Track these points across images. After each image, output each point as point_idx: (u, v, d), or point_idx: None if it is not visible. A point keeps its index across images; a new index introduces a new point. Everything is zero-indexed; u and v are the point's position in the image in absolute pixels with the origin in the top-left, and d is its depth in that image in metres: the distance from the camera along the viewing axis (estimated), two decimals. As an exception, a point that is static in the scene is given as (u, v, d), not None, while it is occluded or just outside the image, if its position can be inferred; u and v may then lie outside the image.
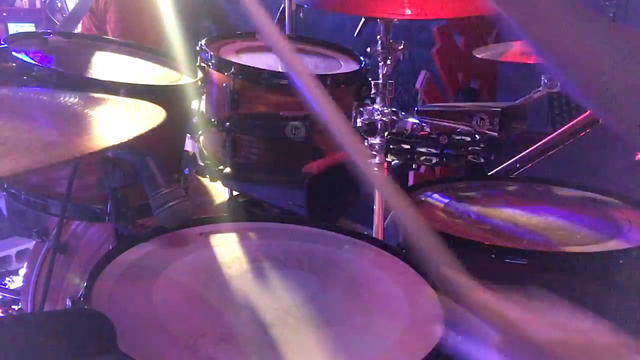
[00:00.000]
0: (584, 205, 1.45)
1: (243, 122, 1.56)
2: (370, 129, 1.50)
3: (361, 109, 1.56)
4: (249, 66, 1.58)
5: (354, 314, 0.92)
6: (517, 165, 2.27)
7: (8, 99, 0.89)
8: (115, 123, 0.78)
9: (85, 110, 0.82)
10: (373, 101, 1.53)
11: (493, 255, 1.15)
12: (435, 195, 1.51)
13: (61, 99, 0.85)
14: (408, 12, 1.39)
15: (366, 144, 1.53)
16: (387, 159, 1.51)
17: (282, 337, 0.84)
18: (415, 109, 1.68)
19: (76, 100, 0.85)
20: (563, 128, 2.43)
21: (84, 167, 1.25)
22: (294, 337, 0.84)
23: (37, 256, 1.67)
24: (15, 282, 2.63)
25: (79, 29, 2.56)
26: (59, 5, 3.31)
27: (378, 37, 1.49)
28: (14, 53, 1.27)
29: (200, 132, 1.67)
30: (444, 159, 1.55)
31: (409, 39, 1.45)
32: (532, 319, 0.69)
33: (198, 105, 1.62)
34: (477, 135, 1.52)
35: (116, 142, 0.63)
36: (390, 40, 1.48)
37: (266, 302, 0.92)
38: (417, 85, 3.20)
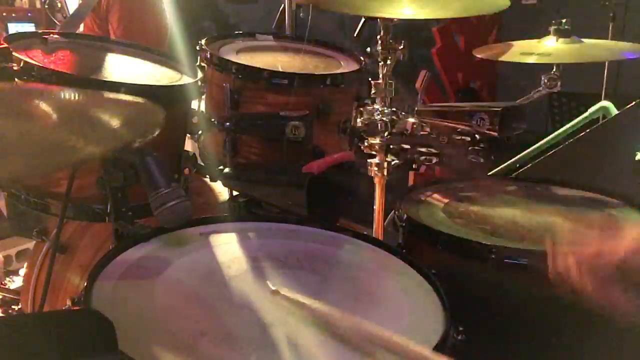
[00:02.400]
0: (584, 205, 1.45)
1: (243, 122, 1.57)
2: (370, 129, 1.50)
3: (361, 109, 1.56)
4: (249, 66, 1.58)
5: (354, 313, 0.92)
6: (517, 165, 2.27)
7: (11, 96, 0.88)
8: (117, 123, 0.77)
9: (87, 110, 0.82)
10: (373, 101, 1.53)
11: (493, 255, 1.15)
12: (435, 195, 1.51)
13: (63, 96, 0.85)
14: (408, 12, 1.39)
15: (366, 144, 1.53)
16: (387, 159, 1.51)
17: (282, 337, 0.84)
18: (415, 109, 1.68)
19: (78, 98, 0.85)
20: (563, 128, 2.44)
21: (84, 167, 1.25)
22: (294, 337, 0.84)
23: (37, 256, 1.67)
24: (15, 282, 2.63)
25: (80, 29, 2.56)
26: (59, 5, 3.31)
27: (378, 37, 1.49)
28: (14, 53, 1.27)
29: (200, 132, 1.67)
30: (444, 159, 1.55)
31: (409, 39, 1.45)
32: None
33: (198, 105, 1.62)
34: (477, 135, 1.52)
35: (118, 144, 0.63)
36: (390, 40, 1.48)
37: (266, 302, 0.92)
38: (417, 85, 3.21)
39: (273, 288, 0.94)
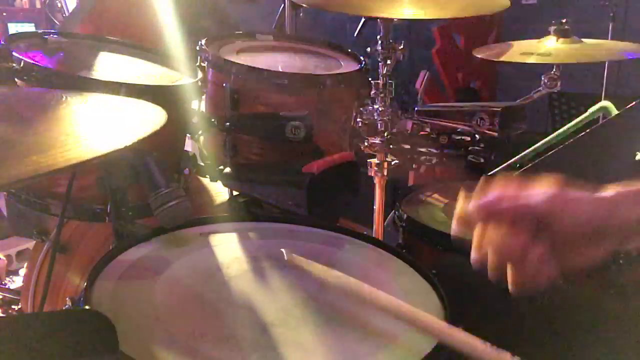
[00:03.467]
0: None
1: (243, 122, 1.57)
2: (370, 129, 1.50)
3: (361, 109, 1.56)
4: (249, 66, 1.58)
5: (353, 314, 0.92)
6: (517, 165, 2.27)
7: (10, 100, 0.88)
8: (117, 125, 0.77)
9: (86, 112, 0.82)
10: (373, 101, 1.53)
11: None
12: (435, 195, 1.51)
13: (63, 99, 0.85)
14: (408, 12, 1.39)
15: (366, 144, 1.53)
16: (387, 159, 1.51)
17: (282, 337, 0.84)
18: (415, 109, 1.68)
19: (77, 100, 0.85)
20: (563, 128, 2.43)
21: (84, 167, 1.25)
22: (294, 337, 0.84)
23: (37, 256, 1.67)
24: (15, 282, 2.63)
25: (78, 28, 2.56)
26: (59, 5, 3.32)
27: (378, 37, 1.49)
28: (14, 53, 1.27)
29: (200, 132, 1.67)
30: (444, 159, 1.55)
31: (409, 39, 1.45)
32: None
33: (198, 105, 1.62)
34: (477, 135, 1.52)
35: (118, 147, 0.62)
36: (390, 40, 1.48)
37: (266, 302, 0.92)
38: (417, 85, 3.21)
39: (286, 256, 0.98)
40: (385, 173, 1.49)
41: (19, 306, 1.93)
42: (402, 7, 1.39)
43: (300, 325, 0.87)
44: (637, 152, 1.97)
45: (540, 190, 0.75)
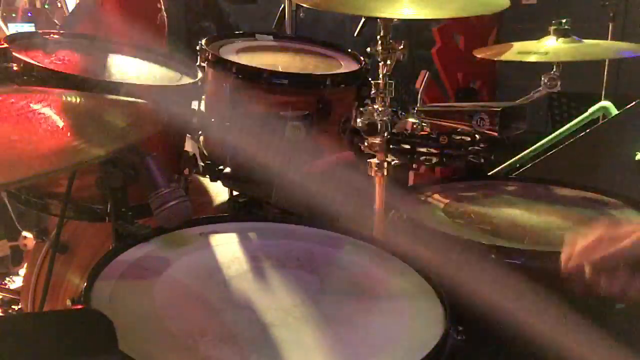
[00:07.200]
0: (583, 206, 1.46)
1: (243, 122, 1.56)
2: (370, 129, 1.50)
3: (361, 109, 1.56)
4: (249, 66, 1.58)
5: (353, 314, 0.92)
6: (517, 165, 2.27)
7: (12, 100, 0.88)
8: (116, 126, 0.77)
9: (90, 112, 0.82)
10: (373, 101, 1.53)
11: (493, 255, 1.15)
12: (435, 195, 1.51)
13: (66, 99, 0.85)
14: (408, 12, 1.39)
15: (366, 144, 1.53)
16: (387, 159, 1.51)
17: (282, 337, 0.84)
18: (415, 109, 1.68)
19: (78, 101, 0.85)
20: (563, 128, 2.44)
21: (84, 167, 1.25)
22: (294, 337, 0.84)
23: (37, 256, 1.67)
24: (15, 282, 2.63)
25: (78, 28, 2.56)
26: (59, 5, 3.32)
27: (378, 37, 1.48)
28: (14, 53, 1.27)
29: (200, 132, 1.67)
30: (444, 159, 1.55)
31: (409, 39, 1.45)
32: None
33: (198, 105, 1.62)
34: (477, 135, 1.52)
35: (116, 147, 0.62)
36: (390, 40, 1.48)
37: (266, 302, 0.92)
38: (417, 85, 3.20)
39: None
40: (385, 173, 1.49)
41: (19, 306, 1.93)
42: (402, 7, 1.39)
43: (300, 325, 0.87)
44: (637, 152, 1.97)
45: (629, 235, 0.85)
